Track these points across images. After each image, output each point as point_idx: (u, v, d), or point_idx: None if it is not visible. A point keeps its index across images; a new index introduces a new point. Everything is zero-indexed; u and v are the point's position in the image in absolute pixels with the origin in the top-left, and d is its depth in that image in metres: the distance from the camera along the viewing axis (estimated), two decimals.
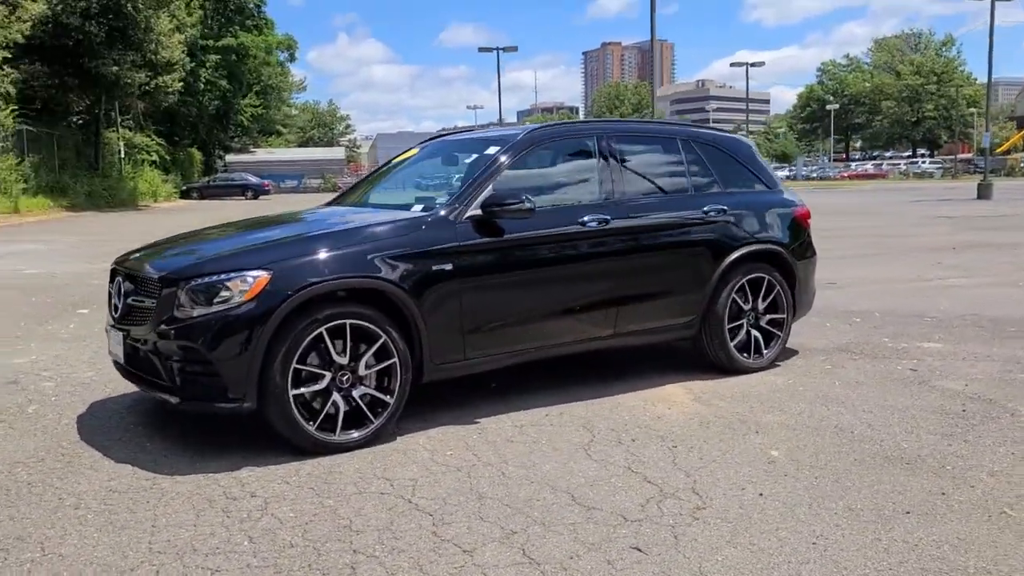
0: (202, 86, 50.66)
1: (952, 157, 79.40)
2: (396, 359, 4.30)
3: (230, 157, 70.27)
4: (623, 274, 5.14)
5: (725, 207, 5.62)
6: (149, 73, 31.56)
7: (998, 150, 66.57)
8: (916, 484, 3.71)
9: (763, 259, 5.80)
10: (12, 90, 26.59)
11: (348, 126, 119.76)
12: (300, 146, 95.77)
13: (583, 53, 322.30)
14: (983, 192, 31.88)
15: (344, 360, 4.18)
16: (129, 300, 4.35)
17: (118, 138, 38.57)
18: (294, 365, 4.03)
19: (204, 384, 3.99)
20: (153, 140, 44.52)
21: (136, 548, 3.16)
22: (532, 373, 5.54)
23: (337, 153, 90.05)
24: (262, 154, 76.44)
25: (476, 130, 7.35)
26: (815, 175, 74.59)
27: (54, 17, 27.49)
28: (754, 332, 5.78)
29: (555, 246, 4.91)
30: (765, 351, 5.81)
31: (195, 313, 3.99)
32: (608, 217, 5.07)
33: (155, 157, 43.88)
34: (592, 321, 5.09)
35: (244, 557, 3.08)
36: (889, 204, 30.01)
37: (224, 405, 4.00)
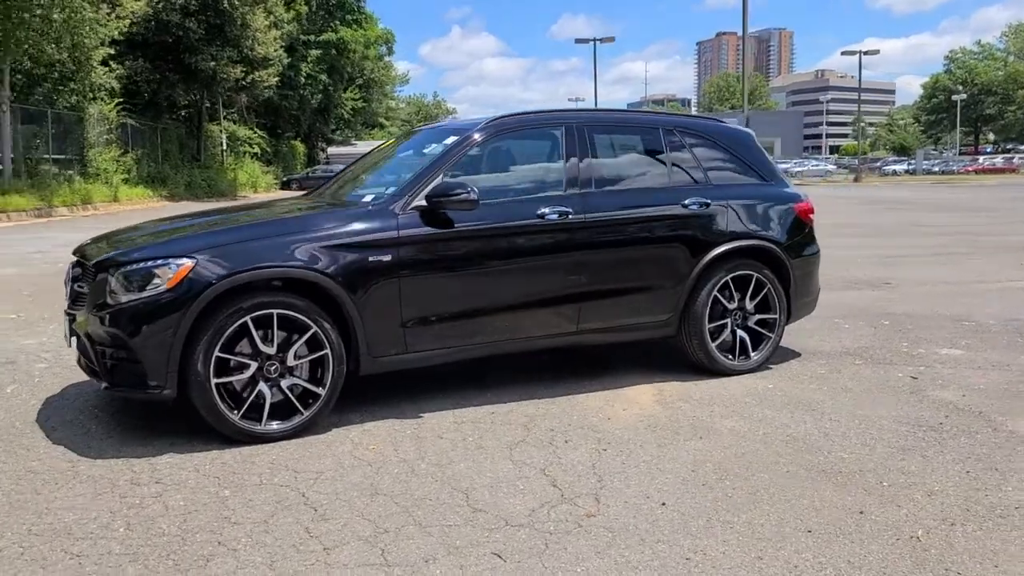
0: (303, 80, 52.08)
1: None
2: (328, 350, 4.27)
3: (332, 149, 72.03)
4: (586, 269, 4.95)
5: (708, 200, 5.35)
6: (244, 68, 32.67)
7: None
8: (838, 501, 3.44)
9: (752, 256, 5.51)
10: (116, 85, 27.98)
11: (454, 119, 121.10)
12: None
13: (697, 43, 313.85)
14: None
15: (271, 350, 4.18)
16: (75, 286, 4.47)
17: (221, 131, 40.11)
18: (217, 354, 4.04)
19: (127, 370, 4.05)
20: (255, 133, 46.11)
21: (16, 529, 3.23)
22: (506, 367, 5.44)
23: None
24: (363, 146, 77.90)
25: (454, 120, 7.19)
26: (936, 169, 70.69)
27: (155, 15, 28.80)
28: (740, 333, 5.50)
29: (507, 239, 4.78)
30: (753, 353, 5.51)
31: (123, 299, 4.05)
32: (570, 210, 4.90)
33: (257, 149, 45.42)
34: (552, 317, 4.94)
35: (111, 544, 3.11)
36: (1009, 200, 28.20)
37: (145, 392, 4.05)
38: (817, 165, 74.15)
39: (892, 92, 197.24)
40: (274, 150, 52.19)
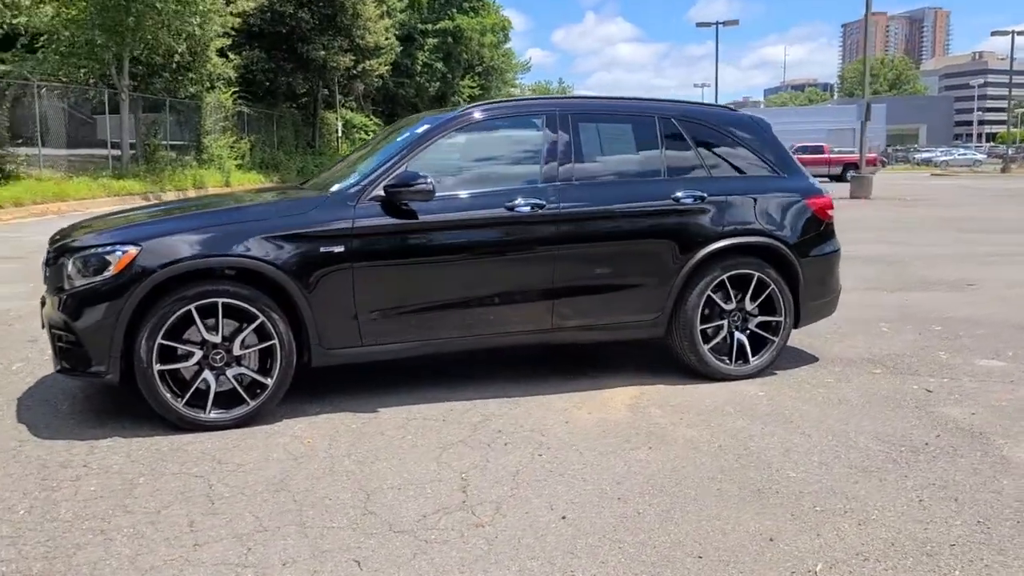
0: (419, 68, 52.89)
1: None
2: (276, 341, 4.25)
3: None
4: (560, 265, 4.74)
5: (704, 193, 5.03)
6: (355, 57, 33.42)
7: None
8: (754, 525, 3.15)
9: (753, 253, 5.15)
10: (233, 75, 29.11)
11: None
12: None
13: (842, 25, 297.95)
14: None
15: (216, 338, 4.18)
16: (46, 272, 4.61)
17: (336, 118, 41.24)
18: (160, 341, 4.08)
19: (75, 354, 4.14)
20: (371, 120, 47.18)
21: None
22: (495, 362, 5.34)
23: None
24: None
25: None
26: None
27: (270, 5, 29.80)
28: (738, 335, 5.16)
29: (470, 231, 4.62)
30: (753, 357, 5.16)
31: (77, 284, 4.14)
32: (543, 202, 4.70)
33: (371, 136, 46.49)
34: (522, 314, 4.75)
35: (2, 526, 3.17)
36: None
37: (91, 376, 4.14)
38: (964, 154, 69.37)
39: None
40: None
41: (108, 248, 4.13)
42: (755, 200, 5.18)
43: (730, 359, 5.14)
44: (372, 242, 4.41)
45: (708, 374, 5.09)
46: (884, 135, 70.45)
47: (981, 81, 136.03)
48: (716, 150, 5.27)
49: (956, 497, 3.39)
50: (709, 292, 5.03)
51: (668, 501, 3.37)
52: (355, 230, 4.37)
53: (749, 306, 5.16)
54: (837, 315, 6.64)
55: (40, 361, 5.56)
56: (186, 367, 4.18)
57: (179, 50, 22.86)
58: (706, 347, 5.06)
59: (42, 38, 21.30)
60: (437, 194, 4.56)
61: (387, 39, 36.52)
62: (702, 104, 5.85)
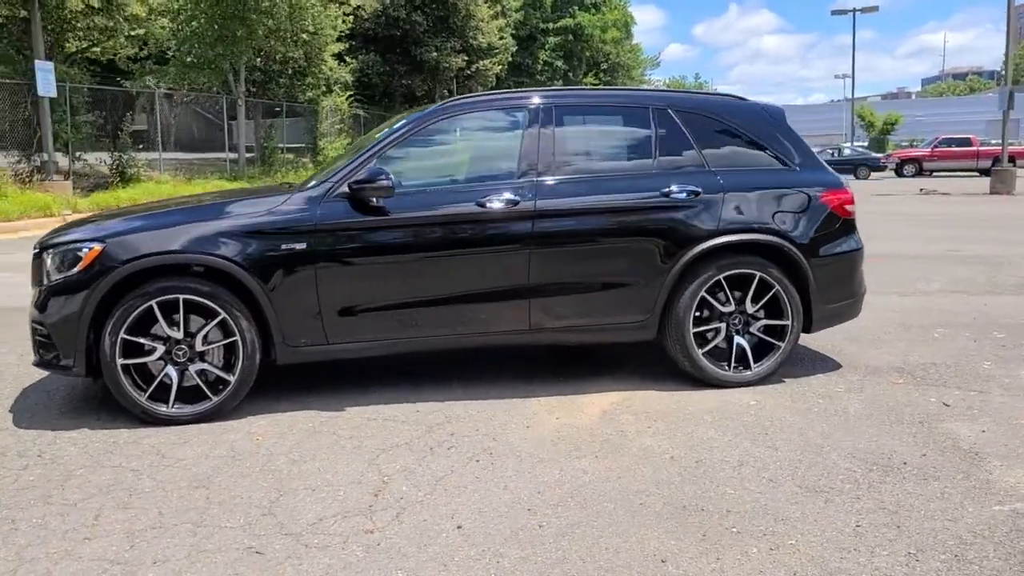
0: (539, 67, 53.04)
1: None
2: (237, 337, 4.28)
3: None
4: (536, 263, 4.56)
5: (698, 188, 4.73)
6: (467, 58, 33.80)
7: None
8: (652, 546, 2.91)
9: (754, 252, 4.81)
10: (349, 79, 30.09)
11: None
12: None
13: (1007, 7, 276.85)
14: None
15: (178, 334, 4.25)
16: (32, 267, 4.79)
17: None
18: (123, 335, 4.17)
19: (46, 347, 4.30)
20: None
21: None
22: (494, 361, 5.25)
23: None
24: None
25: None
26: None
27: (384, 10, 30.58)
28: (738, 339, 4.83)
29: (438, 228, 4.50)
30: (755, 364, 4.82)
31: (52, 279, 4.29)
32: (517, 198, 4.54)
33: None
34: (497, 314, 4.60)
35: None
36: None
37: (60, 369, 4.28)
38: None
39: None
40: None
41: (78, 245, 4.26)
42: (758, 195, 4.83)
43: (728, 365, 4.82)
44: (335, 239, 4.37)
45: (705, 380, 4.79)
46: None
47: None
48: (717, 142, 4.95)
49: (900, 524, 3.03)
50: (703, 293, 4.73)
51: (578, 515, 3.17)
52: (318, 227, 4.35)
53: (751, 308, 4.82)
54: (892, 318, 6.20)
55: None
56: (149, 362, 4.26)
57: (294, 56, 23.76)
58: (701, 351, 4.77)
59: (172, 50, 22.63)
60: (409, 191, 4.50)
61: (501, 39, 36.75)
62: (704, 93, 5.50)
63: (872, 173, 36.87)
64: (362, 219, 4.39)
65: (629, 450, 3.84)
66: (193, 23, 21.44)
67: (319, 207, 4.38)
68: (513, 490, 3.41)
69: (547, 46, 53.91)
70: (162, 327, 4.23)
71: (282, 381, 4.85)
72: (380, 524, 3.11)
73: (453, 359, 5.36)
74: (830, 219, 4.95)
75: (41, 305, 4.26)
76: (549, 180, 4.63)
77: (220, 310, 4.24)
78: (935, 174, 35.89)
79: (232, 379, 4.30)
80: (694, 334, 4.76)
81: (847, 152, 40.14)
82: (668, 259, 4.68)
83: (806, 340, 5.72)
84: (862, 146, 47.81)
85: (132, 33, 18.68)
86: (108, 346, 4.16)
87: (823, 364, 5.29)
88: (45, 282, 4.32)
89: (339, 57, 28.46)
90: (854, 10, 50.33)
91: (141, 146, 20.36)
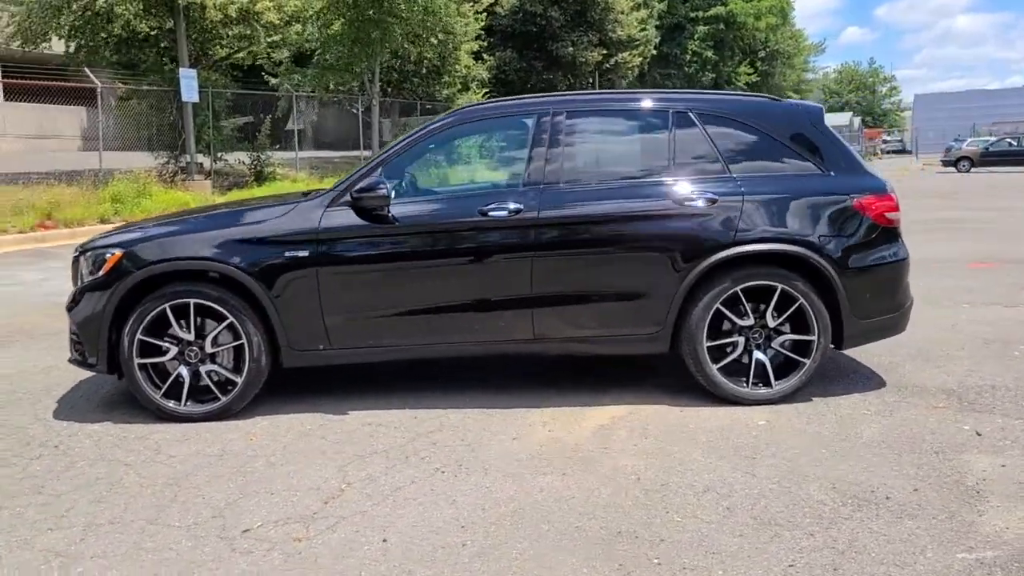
0: (688, 58, 51.90)
1: None
2: (244, 340, 4.46)
3: None
4: (539, 272, 4.49)
5: (715, 195, 4.51)
6: (605, 51, 33.52)
7: None
8: (559, 573, 2.81)
9: (774, 263, 4.55)
10: (486, 76, 30.52)
11: (893, 88, 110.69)
12: (831, 112, 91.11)
13: None
14: None
15: (190, 336, 4.47)
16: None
17: None
18: (140, 336, 4.44)
19: (77, 345, 4.63)
20: None
21: None
22: (520, 368, 5.28)
23: (841, 119, 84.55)
24: None
25: None
26: None
27: (521, 6, 30.80)
28: (757, 355, 4.58)
29: (439, 236, 4.50)
30: (776, 381, 4.56)
31: (84, 282, 4.62)
32: (521, 206, 4.48)
33: None
34: (499, 323, 4.56)
35: None
36: None
37: (88, 367, 4.59)
38: None
39: None
40: None
41: (104, 250, 4.56)
42: (781, 202, 4.56)
43: (747, 382, 4.58)
44: (337, 247, 4.47)
45: (722, 396, 4.57)
46: None
47: None
48: (742, 147, 4.70)
49: (838, 567, 2.80)
50: (719, 305, 4.52)
51: (507, 535, 3.11)
52: (320, 234, 4.46)
53: (772, 322, 4.56)
54: (978, 332, 5.76)
55: None
56: (163, 362, 4.51)
57: (428, 56, 24.36)
58: (716, 366, 4.55)
59: (316, 53, 23.76)
60: (413, 199, 4.55)
61: (643, 30, 36.20)
62: (732, 94, 5.18)
63: None
64: (363, 227, 4.47)
65: (600, 469, 3.72)
66: (332, 28, 22.39)
67: (323, 215, 4.49)
68: (460, 505, 3.39)
69: (696, 36, 52.61)
70: (175, 329, 4.46)
71: (300, 384, 5.01)
72: (312, 533, 3.17)
73: (471, 365, 5.36)
74: (865, 227, 4.60)
75: (71, 305, 4.59)
76: (555, 188, 4.55)
77: (228, 314, 4.43)
78: None
79: (239, 380, 4.48)
80: (709, 348, 4.55)
81: None
82: (679, 270, 4.49)
83: (861, 356, 5.37)
84: None
85: (270, 39, 19.72)
86: (126, 346, 4.43)
87: (867, 382, 4.93)
88: (78, 284, 4.66)
89: (476, 55, 28.92)
90: None
91: (278, 145, 21.48)
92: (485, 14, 26.87)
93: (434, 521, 3.25)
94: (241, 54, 19.36)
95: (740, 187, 4.55)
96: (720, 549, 2.95)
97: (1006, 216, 14.91)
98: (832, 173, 4.69)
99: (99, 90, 15.27)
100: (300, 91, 22.78)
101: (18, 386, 5.22)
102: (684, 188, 4.56)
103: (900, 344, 5.72)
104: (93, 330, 4.48)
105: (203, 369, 4.51)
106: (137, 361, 4.45)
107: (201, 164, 18.52)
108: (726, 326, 4.63)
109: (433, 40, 23.58)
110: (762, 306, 4.57)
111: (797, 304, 4.52)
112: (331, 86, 24.12)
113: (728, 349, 4.61)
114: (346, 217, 4.48)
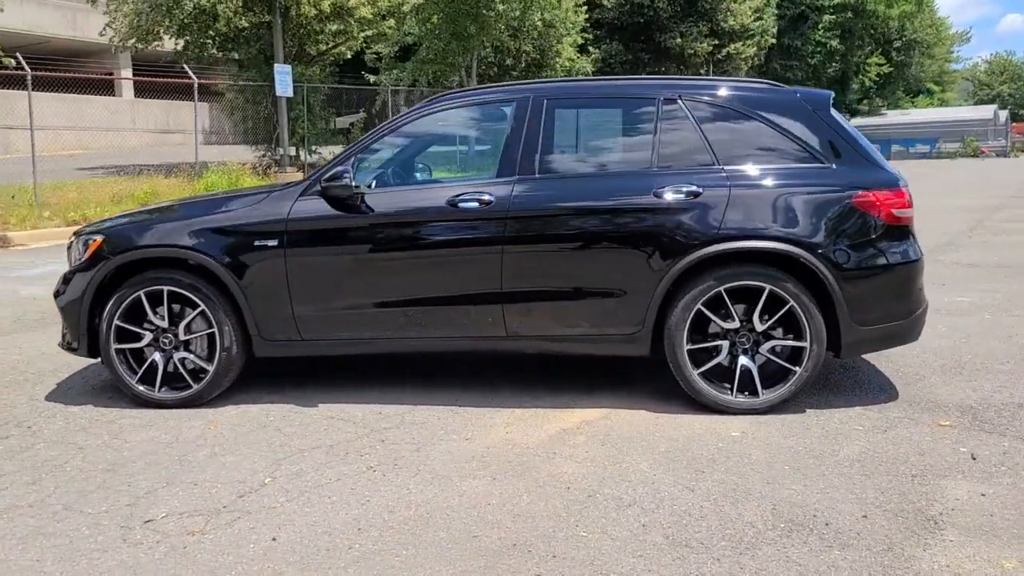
0: (811, 49, 49.91)
1: None
2: (215, 329, 4.47)
3: (855, 121, 67.52)
4: (510, 266, 4.29)
5: (698, 188, 4.21)
6: (715, 42, 32.55)
7: None
8: None
9: (762, 261, 4.20)
10: (590, 69, 30.19)
11: None
12: (979, 104, 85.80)
13: None
14: None
15: (164, 323, 4.51)
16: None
17: None
18: (116, 322, 4.51)
19: (63, 329, 4.75)
20: None
21: None
22: (511, 368, 5.09)
23: (984, 112, 79.29)
24: (894, 116, 71.43)
25: None
26: None
27: None
28: (743, 361, 4.25)
29: (406, 228, 4.37)
30: (764, 390, 4.22)
31: (70, 267, 4.74)
32: (491, 198, 4.30)
33: None
34: (469, 318, 4.40)
35: None
36: None
37: (72, 351, 4.70)
38: None
39: None
40: None
41: (89, 236, 4.66)
42: (772, 196, 4.21)
43: (732, 389, 4.25)
44: (305, 237, 4.41)
45: (706, 404, 4.27)
46: None
47: None
48: (736, 137, 4.37)
49: None
50: (700, 306, 4.21)
51: (396, 541, 2.97)
52: (289, 224, 4.41)
53: (760, 326, 4.22)
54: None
55: None
56: (138, 347, 4.56)
57: (526, 50, 24.28)
58: (696, 371, 4.25)
59: (418, 49, 24.09)
60: (385, 189, 4.45)
61: (758, 19, 34.97)
62: (726, 81, 4.78)
63: None
64: (332, 217, 4.39)
65: (535, 475, 3.52)
66: (429, 23, 22.62)
67: (293, 205, 4.44)
68: (370, 506, 3.26)
69: (820, 25, 50.49)
70: (149, 315, 4.51)
71: (287, 374, 5.00)
72: (209, 528, 3.12)
73: (460, 361, 5.23)
74: (868, 225, 4.20)
75: (57, 290, 4.72)
76: (528, 179, 4.34)
77: (200, 302, 4.45)
78: None
79: (211, 368, 4.49)
80: (690, 351, 4.25)
81: None
82: (658, 268, 4.21)
83: (885, 365, 4.96)
84: None
85: (364, 34, 20.08)
86: (104, 331, 4.52)
87: (876, 394, 4.52)
88: (67, 269, 4.78)
89: (581, 48, 28.63)
90: None
91: None
92: (586, 7, 26.52)
93: (334, 522, 3.13)
94: (338, 49, 19.77)
95: (726, 180, 4.23)
96: (612, 570, 2.72)
97: None
98: (834, 166, 4.29)
99: (195, 85, 15.95)
100: (399, 86, 23.12)
101: (31, 367, 5.43)
102: (664, 180, 4.27)
103: (937, 353, 5.27)
104: (74, 314, 4.58)
105: (176, 356, 4.54)
106: (114, 346, 4.53)
107: (296, 156, 19.06)
108: (713, 328, 4.32)
109: (535, 31, 23.46)
110: (739, 308, 4.23)
111: (787, 307, 4.17)
112: (429, 80, 24.37)
113: (713, 353, 4.30)
114: (316, 207, 4.42)
